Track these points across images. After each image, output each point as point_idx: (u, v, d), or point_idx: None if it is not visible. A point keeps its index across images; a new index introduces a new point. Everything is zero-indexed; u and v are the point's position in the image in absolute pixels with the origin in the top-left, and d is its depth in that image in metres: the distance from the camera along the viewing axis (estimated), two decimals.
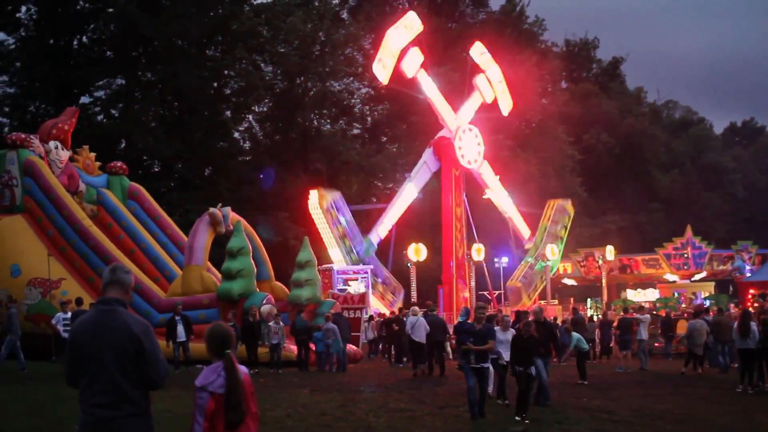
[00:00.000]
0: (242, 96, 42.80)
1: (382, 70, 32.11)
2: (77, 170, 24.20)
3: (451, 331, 19.46)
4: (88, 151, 25.61)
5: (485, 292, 36.20)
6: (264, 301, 20.23)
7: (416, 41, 33.24)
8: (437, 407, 12.38)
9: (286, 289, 22.66)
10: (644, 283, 40.92)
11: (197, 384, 4.57)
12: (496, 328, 12.42)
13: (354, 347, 22.19)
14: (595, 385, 15.72)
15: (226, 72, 42.41)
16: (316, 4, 44.84)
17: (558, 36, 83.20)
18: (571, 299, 36.70)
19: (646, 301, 31.42)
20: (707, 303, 29.04)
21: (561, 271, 40.97)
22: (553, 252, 38.07)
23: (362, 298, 26.38)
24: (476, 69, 37.17)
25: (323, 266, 28.92)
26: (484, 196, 38.11)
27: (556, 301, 37.51)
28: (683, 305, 28.55)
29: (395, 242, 35.17)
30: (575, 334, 17.25)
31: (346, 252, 31.67)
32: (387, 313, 27.69)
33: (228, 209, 22.78)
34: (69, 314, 16.84)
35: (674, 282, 39.04)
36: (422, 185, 35.03)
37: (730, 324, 17.76)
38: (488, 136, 37.61)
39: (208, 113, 41.01)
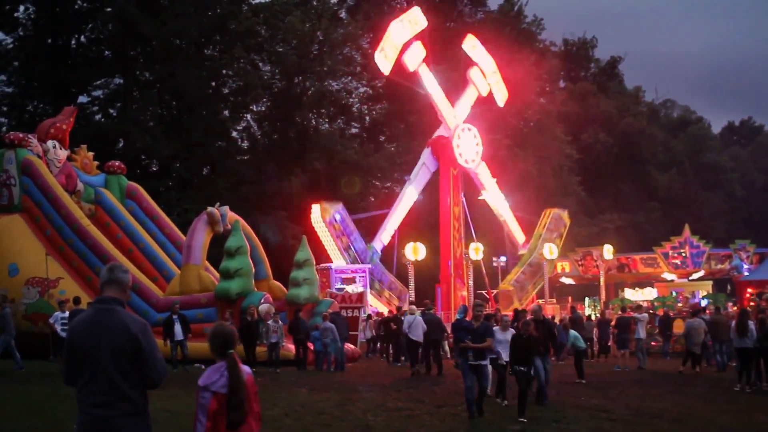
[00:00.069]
0: (240, 95, 42.76)
1: (384, 60, 31.93)
2: (75, 169, 24.18)
3: (448, 330, 19.47)
4: (86, 150, 25.57)
5: (483, 291, 36.20)
6: (262, 300, 20.22)
7: (417, 38, 33.12)
8: (435, 406, 12.39)
9: (284, 288, 22.65)
10: (642, 282, 40.89)
11: (200, 383, 4.58)
12: (495, 327, 12.33)
13: (352, 346, 22.22)
14: (593, 384, 15.74)
15: (224, 71, 42.35)
16: (315, 3, 44.74)
17: (556, 35, 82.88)
18: (569, 298, 36.67)
19: (644, 300, 31.40)
20: (703, 302, 29.09)
21: (559, 270, 40.95)
22: (551, 251, 37.98)
23: (360, 297, 26.39)
24: (471, 64, 37.09)
25: (321, 265, 28.95)
26: (480, 197, 38.09)
27: (554, 300, 37.55)
28: (680, 304, 28.55)
29: (395, 242, 35.14)
30: (572, 332, 17.27)
31: (350, 262, 31.74)
32: (386, 312, 27.72)
33: (226, 208, 22.75)
34: (67, 313, 16.79)
35: (672, 281, 39.04)
36: (422, 187, 35.00)
37: (727, 323, 17.80)
38: (486, 135, 37.51)
39: (206, 112, 40.95)
